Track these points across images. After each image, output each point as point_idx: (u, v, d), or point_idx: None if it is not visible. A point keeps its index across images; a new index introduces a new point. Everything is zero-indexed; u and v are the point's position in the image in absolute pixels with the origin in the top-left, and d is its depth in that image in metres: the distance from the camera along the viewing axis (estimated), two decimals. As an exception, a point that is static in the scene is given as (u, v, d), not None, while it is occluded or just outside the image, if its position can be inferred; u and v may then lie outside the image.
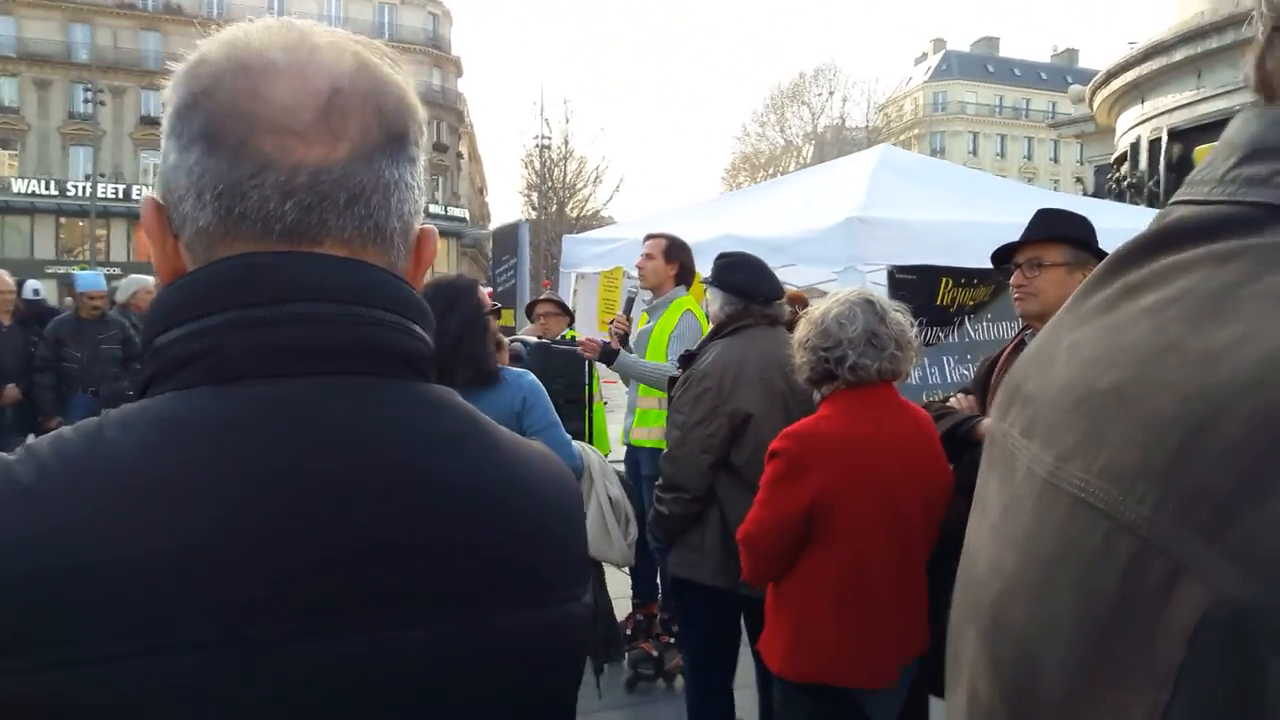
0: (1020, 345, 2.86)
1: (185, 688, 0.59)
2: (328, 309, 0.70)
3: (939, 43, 70.96)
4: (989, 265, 4.61)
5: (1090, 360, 0.49)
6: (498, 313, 5.71)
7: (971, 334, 5.26)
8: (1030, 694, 0.47)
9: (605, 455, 5.59)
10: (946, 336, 5.16)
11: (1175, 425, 0.41)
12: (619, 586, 5.21)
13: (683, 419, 3.25)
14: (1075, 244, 2.70)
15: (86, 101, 40.92)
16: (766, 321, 3.38)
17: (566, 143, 46.17)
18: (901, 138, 59.32)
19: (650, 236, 4.76)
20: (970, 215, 5.40)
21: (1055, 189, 63.26)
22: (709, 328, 4.43)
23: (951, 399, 2.93)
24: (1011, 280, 2.79)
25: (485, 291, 4.90)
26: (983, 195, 6.28)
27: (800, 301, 4.66)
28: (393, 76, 0.77)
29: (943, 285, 5.09)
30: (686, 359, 3.46)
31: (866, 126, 56.74)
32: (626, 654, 4.73)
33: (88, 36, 45.45)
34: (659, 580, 4.81)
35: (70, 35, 45.64)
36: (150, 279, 8.13)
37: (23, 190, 43.94)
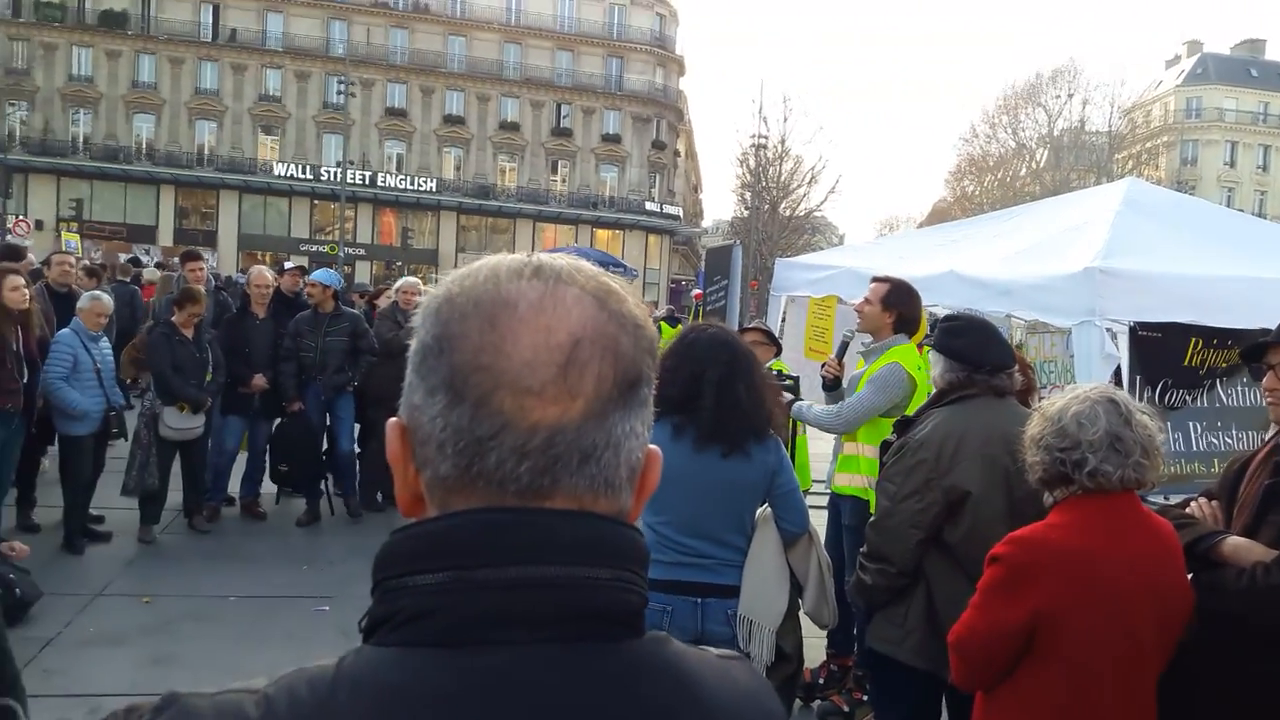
0: (1275, 451, 2.58)
1: None
2: (550, 572, 0.71)
3: (1194, 45, 65.10)
4: (1244, 325, 4.22)
5: None
6: (778, 348, 5.74)
7: (1223, 398, 4.80)
8: None
9: (807, 489, 5.54)
10: (1194, 401, 4.74)
11: None
12: (816, 631, 5.12)
13: (894, 489, 3.14)
14: None
15: (339, 93, 44.30)
16: (993, 392, 3.20)
17: (783, 142, 45.92)
18: (1148, 145, 55.24)
19: (876, 280, 4.65)
20: (1224, 268, 4.93)
21: (1325, 208, 57.01)
22: (924, 382, 4.29)
23: (1192, 504, 2.68)
24: (1263, 383, 2.53)
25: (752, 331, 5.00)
26: (1240, 242, 5.71)
27: (1024, 367, 4.41)
28: (632, 313, 0.78)
29: (1191, 345, 4.67)
30: (904, 424, 3.34)
31: (1108, 131, 53.22)
32: (817, 703, 4.67)
33: (344, 32, 49.18)
34: (855, 633, 4.71)
35: (329, 31, 49.56)
36: (416, 280, 8.72)
37: (282, 174, 48.19)
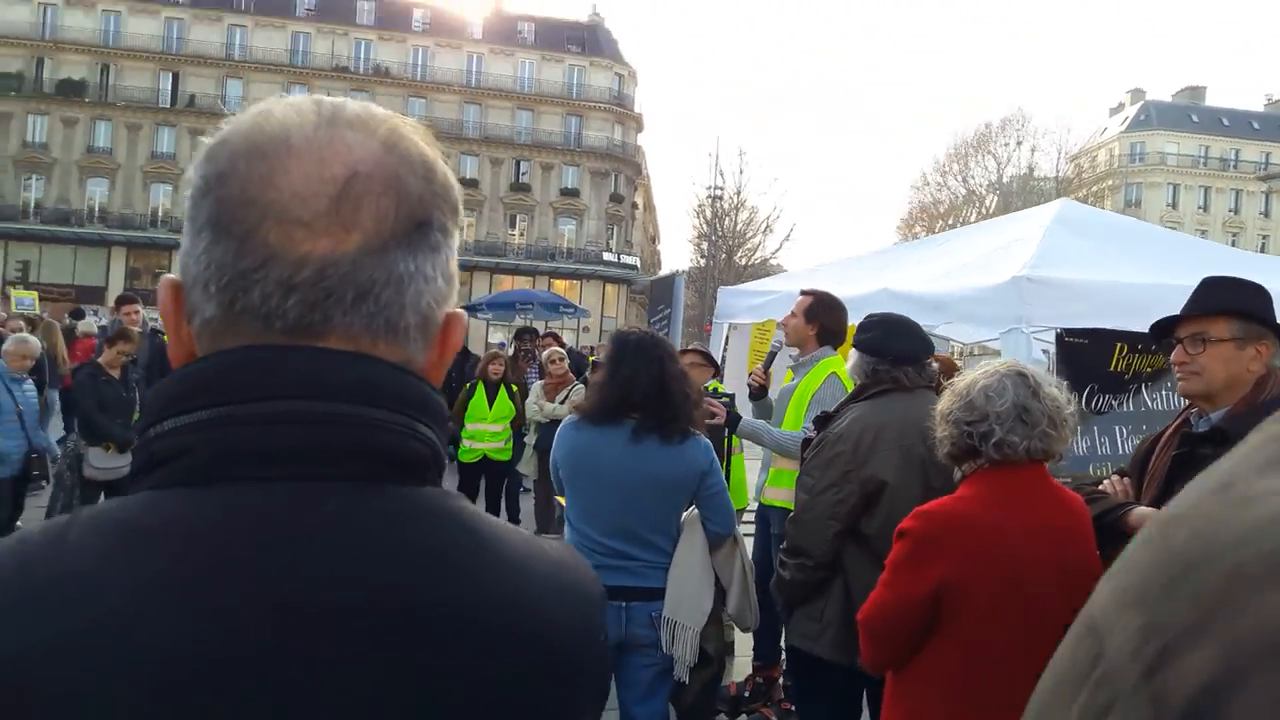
0: (1185, 424, 2.58)
1: None
2: (313, 407, 0.66)
3: (1137, 93, 67.13)
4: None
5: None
6: (719, 373, 5.77)
7: (1149, 403, 4.81)
8: None
9: (743, 507, 5.47)
10: (1120, 405, 4.74)
11: (1176, 560, 0.40)
12: (742, 646, 5.05)
13: (812, 483, 3.10)
14: (1245, 317, 2.41)
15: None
16: (897, 384, 3.20)
17: (739, 192, 46.56)
18: (1094, 189, 56.63)
19: (802, 293, 4.64)
20: (1150, 276, 4.98)
21: (1263, 245, 58.64)
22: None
23: (1105, 482, 2.67)
24: (1173, 357, 2.53)
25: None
26: (1171, 254, 5.80)
27: (948, 368, 4.41)
28: (422, 154, 0.73)
29: (1117, 350, 4.68)
30: (823, 420, 3.31)
31: (1056, 177, 54.53)
32: (744, 717, 4.59)
33: (301, 94, 49.22)
34: (783, 644, 4.65)
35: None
36: None
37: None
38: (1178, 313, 2.58)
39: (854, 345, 3.30)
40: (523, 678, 0.68)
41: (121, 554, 0.61)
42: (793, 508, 4.33)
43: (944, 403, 2.43)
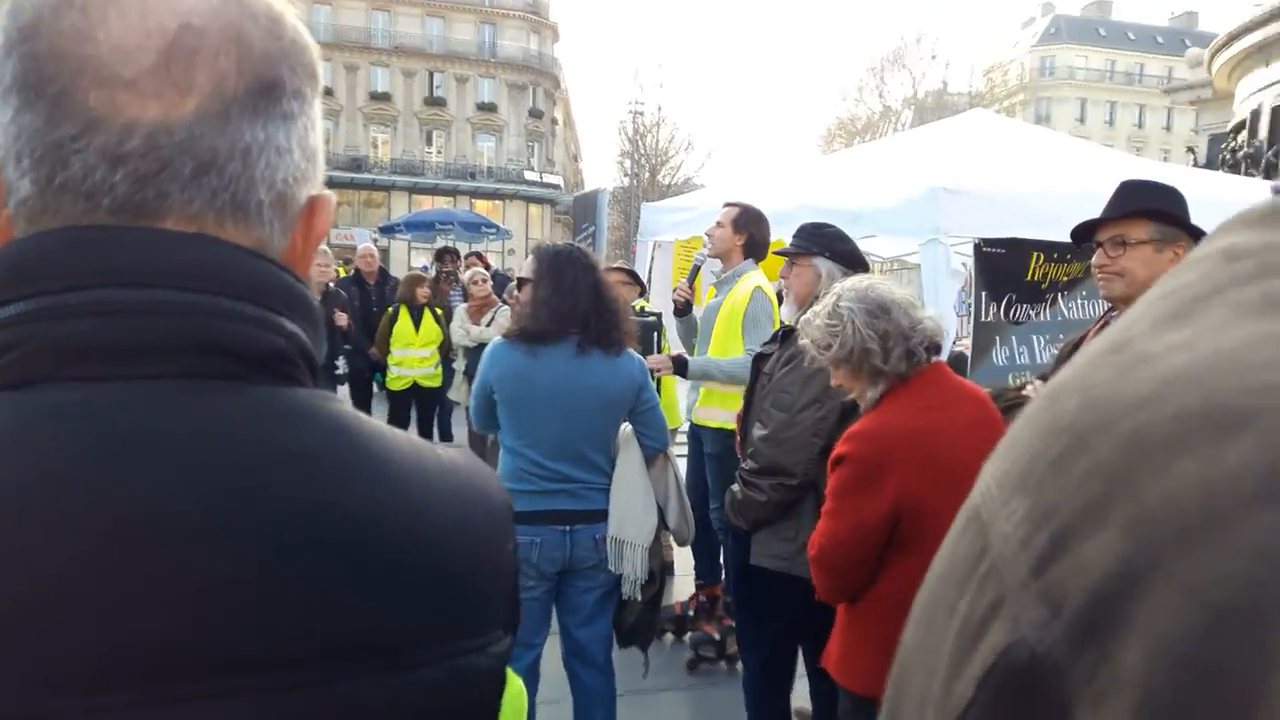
0: (1105, 326, 2.64)
1: None
2: (149, 295, 0.57)
3: (1048, 5, 67.95)
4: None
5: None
6: (645, 292, 5.73)
7: (1065, 312, 4.94)
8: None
9: (675, 427, 5.49)
10: (1038, 314, 4.86)
11: (1065, 433, 0.34)
12: (682, 565, 5.13)
13: (790, 400, 3.03)
14: (1163, 219, 2.46)
15: None
16: None
17: (660, 109, 46.02)
18: (1005, 104, 57.38)
19: (727, 204, 4.60)
20: (1067, 185, 5.07)
21: (1165, 159, 60.35)
22: (778, 304, 4.28)
23: (1028, 386, 2.73)
24: (1094, 261, 2.57)
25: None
26: (1083, 165, 5.91)
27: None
28: (271, 9, 0.63)
29: (1034, 260, 4.78)
30: (785, 335, 3.26)
31: (969, 92, 55.01)
32: (689, 635, 4.67)
33: None
34: (722, 562, 4.72)
35: None
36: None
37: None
38: (1097, 216, 2.62)
39: (836, 256, 3.25)
40: (393, 594, 0.60)
41: None
42: (725, 426, 4.38)
43: (826, 339, 2.37)
